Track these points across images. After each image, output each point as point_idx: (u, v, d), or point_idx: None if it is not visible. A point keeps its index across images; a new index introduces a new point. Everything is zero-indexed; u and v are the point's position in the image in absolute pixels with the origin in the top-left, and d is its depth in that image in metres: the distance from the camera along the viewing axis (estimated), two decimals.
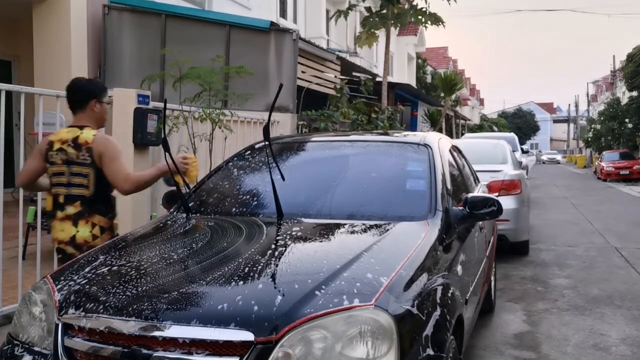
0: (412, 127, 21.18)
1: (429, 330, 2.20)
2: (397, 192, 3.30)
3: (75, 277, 2.44)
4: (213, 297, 2.14)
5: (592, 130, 37.27)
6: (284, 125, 8.13)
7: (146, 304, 2.11)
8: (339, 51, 16.32)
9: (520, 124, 67.56)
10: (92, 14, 8.44)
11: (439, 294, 2.43)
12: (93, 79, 4.80)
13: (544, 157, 58.56)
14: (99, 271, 2.48)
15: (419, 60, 32.98)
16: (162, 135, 3.44)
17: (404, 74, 28.24)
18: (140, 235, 3.08)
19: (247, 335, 1.94)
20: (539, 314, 5.08)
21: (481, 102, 66.03)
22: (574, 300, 5.54)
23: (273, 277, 2.30)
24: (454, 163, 4.00)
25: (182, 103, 5.09)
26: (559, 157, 58.77)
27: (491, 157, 8.18)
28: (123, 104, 4.97)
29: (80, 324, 2.16)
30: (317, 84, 12.23)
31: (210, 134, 5.20)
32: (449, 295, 2.52)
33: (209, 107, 5.12)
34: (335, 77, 13.29)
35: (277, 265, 2.41)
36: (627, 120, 30.85)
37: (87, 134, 3.28)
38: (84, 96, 3.36)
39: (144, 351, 2.02)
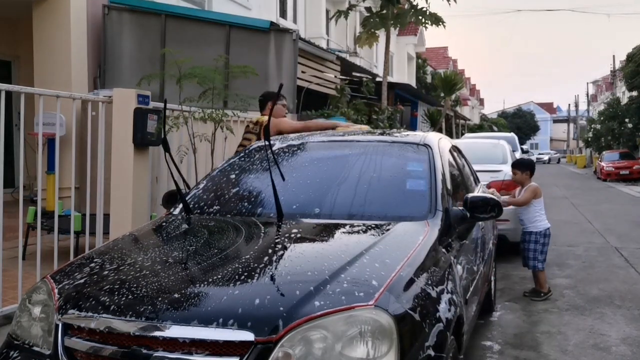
0: (412, 127, 21.18)
1: (429, 330, 2.20)
2: (397, 192, 3.29)
3: (75, 277, 2.44)
4: (213, 297, 2.14)
5: (592, 130, 37.26)
6: None
7: (146, 304, 2.11)
8: (339, 51, 16.32)
9: (520, 124, 67.51)
10: (92, 14, 8.43)
11: (439, 294, 2.43)
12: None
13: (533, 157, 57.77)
14: (99, 271, 2.48)
15: (419, 60, 32.98)
16: (162, 135, 3.46)
17: (404, 74, 28.23)
18: (140, 235, 3.09)
19: (247, 335, 1.94)
20: (539, 314, 5.08)
21: (481, 102, 66.00)
22: (574, 300, 5.54)
23: (273, 277, 2.30)
24: (454, 163, 4.00)
25: (182, 103, 5.09)
26: (545, 157, 57.54)
27: (491, 157, 8.18)
28: (123, 104, 4.97)
29: (81, 324, 2.16)
30: (317, 84, 12.24)
31: (212, 134, 5.21)
32: (449, 295, 2.52)
33: (212, 107, 5.12)
34: (335, 77, 13.30)
35: (277, 266, 2.41)
36: (627, 120, 30.82)
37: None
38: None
39: (144, 351, 2.02)
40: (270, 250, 2.61)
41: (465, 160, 4.79)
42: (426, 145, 3.59)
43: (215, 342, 1.97)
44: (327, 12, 19.62)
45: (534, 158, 34.86)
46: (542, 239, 5.58)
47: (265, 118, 5.01)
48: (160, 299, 2.13)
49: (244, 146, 5.00)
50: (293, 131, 4.93)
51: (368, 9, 17.44)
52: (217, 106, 5.28)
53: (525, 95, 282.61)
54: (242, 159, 3.81)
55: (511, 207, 5.97)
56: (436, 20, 15.19)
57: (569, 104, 69.75)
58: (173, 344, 2.00)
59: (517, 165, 5.87)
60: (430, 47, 38.45)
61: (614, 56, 47.74)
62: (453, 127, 26.86)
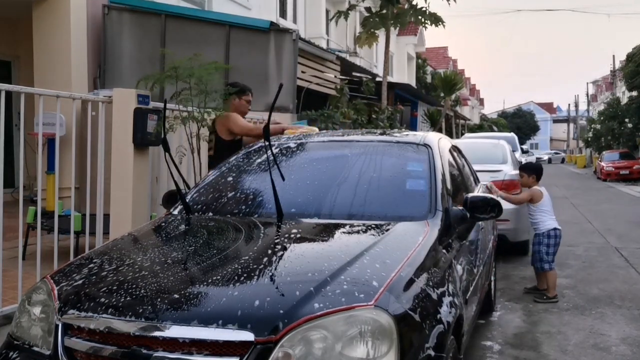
0: (412, 127, 21.17)
1: (429, 330, 2.20)
2: (397, 192, 3.29)
3: (75, 278, 2.44)
4: (213, 298, 2.14)
5: (592, 130, 37.27)
6: None
7: (146, 304, 2.11)
8: (339, 51, 16.32)
9: (520, 124, 67.46)
10: (92, 14, 8.43)
11: (438, 294, 2.43)
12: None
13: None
14: (98, 271, 2.48)
15: (419, 60, 32.98)
16: (162, 136, 3.46)
17: (404, 74, 28.24)
18: (140, 235, 3.09)
19: (247, 336, 1.94)
20: (539, 314, 5.09)
21: (481, 102, 65.98)
22: (574, 300, 5.54)
23: (273, 277, 2.30)
24: (454, 163, 4.00)
25: (178, 103, 5.08)
26: (545, 157, 56.63)
27: (491, 157, 8.17)
28: (123, 104, 4.96)
29: (81, 324, 2.16)
30: (317, 84, 12.23)
31: (196, 134, 5.19)
32: (449, 295, 2.52)
33: (189, 104, 5.09)
34: (335, 77, 13.29)
35: (277, 266, 2.41)
36: (627, 120, 30.84)
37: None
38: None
39: (144, 351, 2.02)
40: (270, 251, 2.61)
41: (465, 160, 4.79)
42: (426, 145, 3.59)
43: (215, 342, 1.97)
44: (327, 12, 19.62)
45: (533, 158, 34.98)
46: (546, 239, 5.64)
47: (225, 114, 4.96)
48: (160, 299, 2.13)
49: (210, 148, 5.12)
50: (243, 132, 4.97)
51: (368, 9, 17.45)
52: (209, 106, 5.25)
53: (525, 95, 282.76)
54: (242, 159, 3.81)
55: (511, 206, 6.04)
56: (436, 20, 15.19)
57: (569, 104, 69.79)
58: (173, 344, 2.00)
59: (524, 168, 6.00)
60: (430, 47, 38.45)
61: (614, 56, 47.84)
62: (453, 127, 26.85)
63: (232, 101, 5.11)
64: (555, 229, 5.68)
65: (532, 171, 5.86)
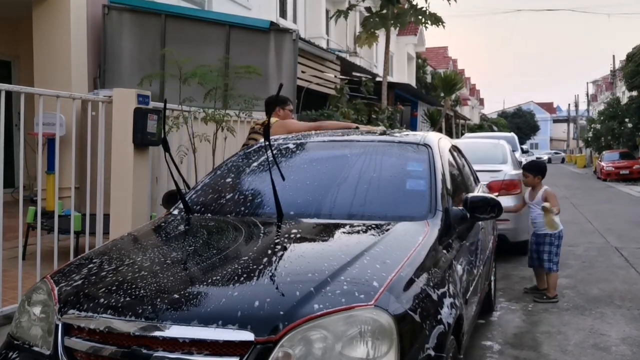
0: (412, 127, 21.18)
1: (429, 330, 2.20)
2: (397, 192, 3.29)
3: (76, 277, 2.44)
4: (213, 297, 2.14)
5: (592, 130, 37.28)
6: None
7: (146, 304, 2.11)
8: (339, 51, 16.34)
9: (520, 123, 67.50)
10: (92, 14, 8.43)
11: (439, 294, 2.43)
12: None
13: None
14: (99, 271, 2.48)
15: (419, 60, 32.99)
16: (162, 135, 3.46)
17: (404, 74, 28.24)
18: (140, 235, 3.09)
19: (247, 335, 1.94)
20: (539, 314, 5.09)
21: (481, 102, 66.02)
22: (574, 300, 5.54)
23: (273, 277, 2.30)
24: (454, 163, 4.00)
25: (182, 103, 5.09)
26: (545, 157, 56.12)
27: (491, 157, 8.17)
28: (123, 104, 4.96)
29: (81, 324, 2.16)
30: (317, 84, 12.25)
31: (214, 134, 5.22)
32: (449, 295, 2.52)
33: (214, 107, 5.14)
34: (335, 77, 13.30)
35: (277, 266, 2.41)
36: (627, 120, 30.83)
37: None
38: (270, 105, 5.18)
39: (144, 351, 2.02)
40: (270, 251, 2.61)
41: (465, 160, 4.79)
42: (426, 145, 3.58)
43: (215, 342, 1.97)
44: (327, 12, 19.62)
45: (533, 158, 34.99)
46: (557, 240, 5.61)
47: (273, 120, 5.05)
48: (160, 299, 2.13)
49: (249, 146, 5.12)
50: (305, 130, 4.86)
51: (368, 9, 17.45)
52: (216, 106, 5.28)
53: (525, 95, 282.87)
54: (242, 159, 3.81)
55: (512, 206, 6.08)
56: (436, 20, 15.20)
57: (569, 104, 69.79)
58: (173, 344, 2.00)
59: (529, 168, 5.84)
60: (430, 47, 38.46)
61: (614, 56, 47.84)
62: (453, 127, 26.87)
63: (277, 112, 5.24)
64: (562, 229, 5.69)
65: (538, 171, 5.75)
